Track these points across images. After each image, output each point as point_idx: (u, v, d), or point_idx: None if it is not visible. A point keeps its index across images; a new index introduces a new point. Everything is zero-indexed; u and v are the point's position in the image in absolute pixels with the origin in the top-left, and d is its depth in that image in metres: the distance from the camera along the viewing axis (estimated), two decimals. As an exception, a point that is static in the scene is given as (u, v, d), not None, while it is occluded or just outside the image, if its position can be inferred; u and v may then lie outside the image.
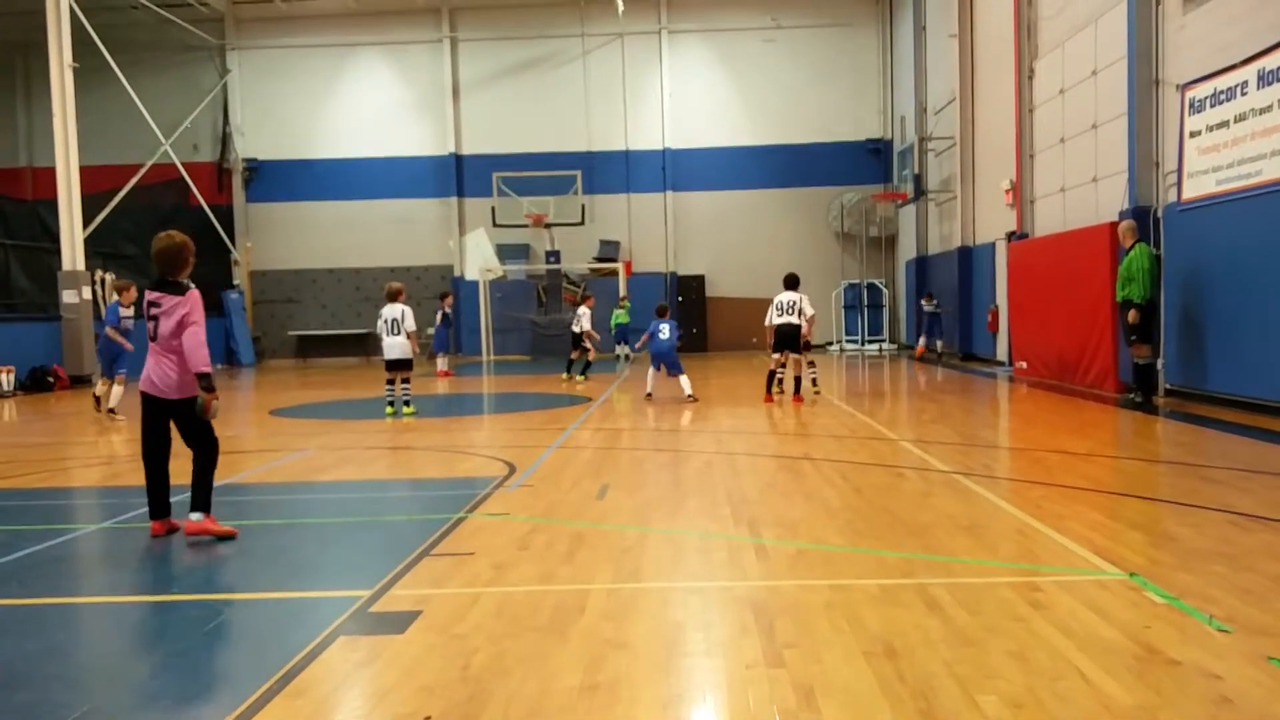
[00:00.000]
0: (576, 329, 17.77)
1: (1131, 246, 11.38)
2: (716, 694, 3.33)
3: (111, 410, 12.64)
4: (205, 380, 5.69)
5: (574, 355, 17.85)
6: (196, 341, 5.63)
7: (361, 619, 4.20)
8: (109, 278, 22.37)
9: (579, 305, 18.45)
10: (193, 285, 5.86)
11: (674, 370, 14.13)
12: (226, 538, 5.74)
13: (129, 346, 12.48)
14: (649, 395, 14.13)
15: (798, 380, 13.36)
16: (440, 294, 22.20)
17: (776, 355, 13.29)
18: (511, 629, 4.02)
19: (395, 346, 12.16)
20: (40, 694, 3.46)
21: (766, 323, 13.46)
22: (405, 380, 12.41)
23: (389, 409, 12.43)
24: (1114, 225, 13.09)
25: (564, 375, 17.81)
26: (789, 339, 13.14)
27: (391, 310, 12.24)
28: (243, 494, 7.63)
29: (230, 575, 5.17)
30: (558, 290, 28.11)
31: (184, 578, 5.11)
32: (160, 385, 5.74)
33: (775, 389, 13.54)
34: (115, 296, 12.96)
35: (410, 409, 12.39)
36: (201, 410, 5.74)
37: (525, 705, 3.23)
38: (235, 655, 3.91)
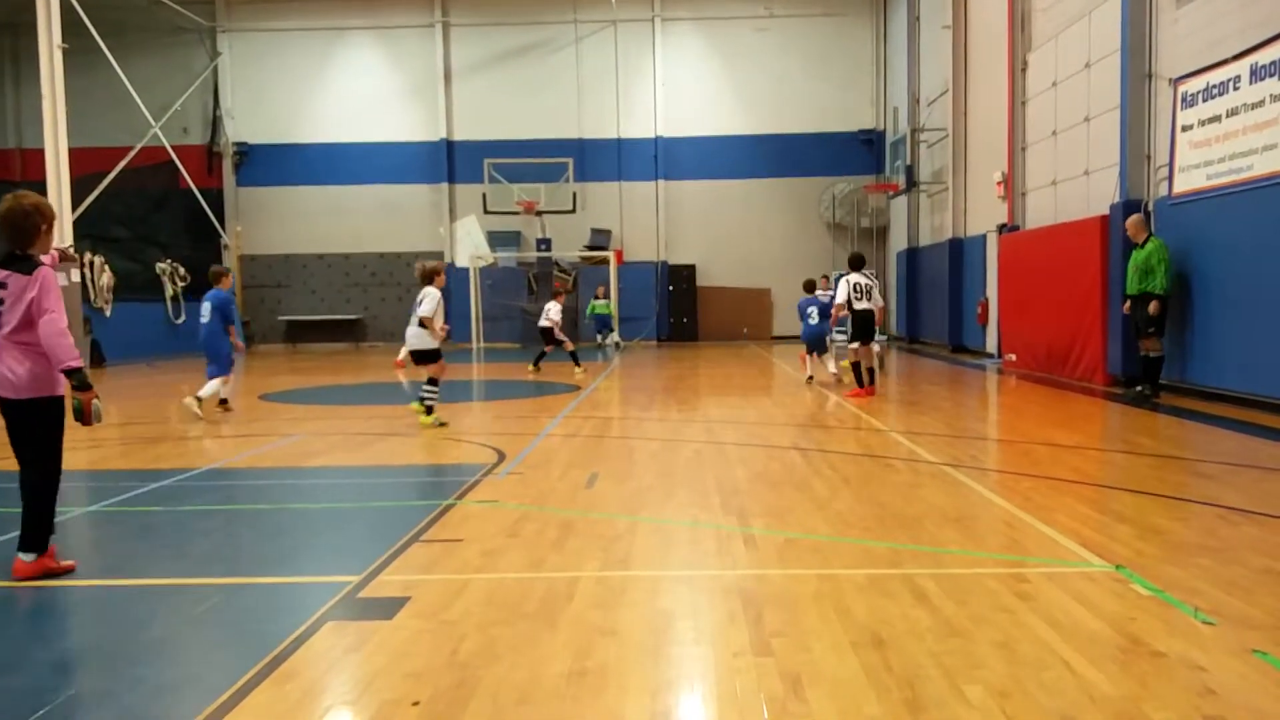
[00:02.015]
0: (545, 323, 17.42)
1: (1146, 240, 11.36)
2: (704, 682, 3.34)
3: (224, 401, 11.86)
4: (78, 377, 4.61)
5: (547, 349, 17.69)
6: (55, 330, 4.54)
7: (350, 604, 4.20)
8: (98, 260, 22.26)
9: (552, 299, 18.10)
10: (44, 261, 4.72)
11: (819, 350, 14.06)
12: (66, 573, 4.79)
13: None
14: (809, 379, 14.14)
15: (871, 372, 12.52)
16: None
17: (856, 345, 12.39)
18: (500, 615, 4.03)
19: (411, 336, 10.38)
20: (27, 678, 3.45)
21: (838, 307, 12.63)
22: (431, 380, 10.28)
23: (415, 405, 10.48)
24: (1104, 219, 13.14)
25: (530, 366, 17.64)
26: (870, 326, 12.35)
27: (420, 294, 10.45)
28: (232, 478, 7.62)
29: (219, 560, 5.16)
30: (548, 278, 28.03)
31: (172, 562, 5.09)
32: (11, 381, 4.63)
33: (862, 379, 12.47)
34: None
35: (428, 417, 10.12)
36: (81, 414, 4.66)
37: (514, 691, 3.24)
38: (223, 640, 3.90)
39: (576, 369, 17.12)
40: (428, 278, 10.40)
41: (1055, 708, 3.04)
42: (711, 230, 28.68)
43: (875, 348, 13.02)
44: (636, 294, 28.19)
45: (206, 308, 11.37)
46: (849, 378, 13.12)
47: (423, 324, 10.18)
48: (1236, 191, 10.52)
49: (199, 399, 11.12)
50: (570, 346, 17.71)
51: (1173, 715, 2.98)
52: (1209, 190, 11.06)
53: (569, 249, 27.99)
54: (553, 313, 17.54)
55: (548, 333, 17.48)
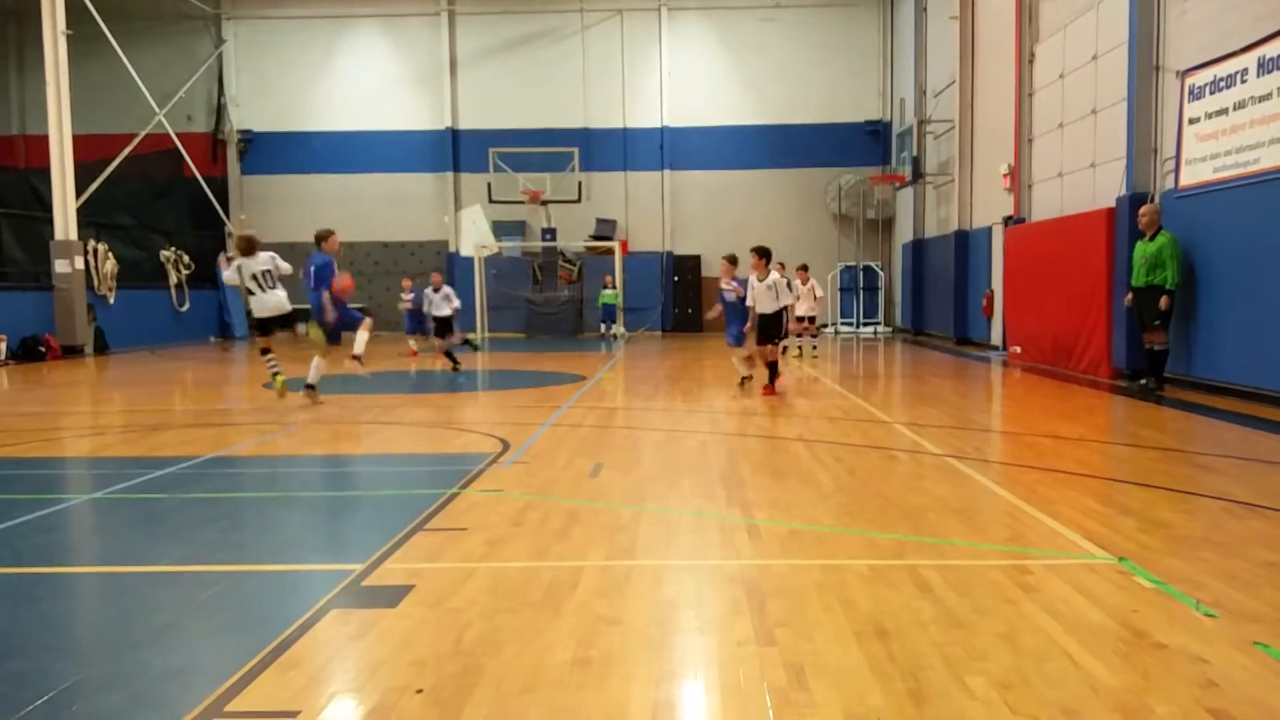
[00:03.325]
0: (445, 312, 16.44)
1: (1157, 232, 11.32)
2: (708, 671, 3.34)
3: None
4: None
5: (438, 342, 16.60)
6: None
7: (354, 592, 4.21)
8: (101, 247, 22.28)
9: (437, 289, 16.86)
10: None
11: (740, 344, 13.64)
12: None
13: None
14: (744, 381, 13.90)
15: (772, 367, 11.81)
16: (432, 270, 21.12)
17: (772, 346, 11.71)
18: (504, 604, 4.03)
19: (273, 302, 11.11)
20: (32, 663, 3.47)
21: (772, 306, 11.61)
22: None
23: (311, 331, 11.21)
24: (1110, 211, 13.10)
25: (452, 366, 15.77)
26: (776, 327, 11.67)
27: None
28: (236, 466, 7.63)
29: (223, 548, 5.17)
30: (553, 268, 28.07)
31: (176, 550, 5.11)
32: None
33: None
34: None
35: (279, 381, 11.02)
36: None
37: (518, 679, 3.25)
38: (227, 627, 3.91)
39: (411, 353, 16.87)
40: (318, 242, 11.22)
41: (1057, 699, 3.04)
42: (717, 221, 28.62)
43: (784, 346, 12.61)
44: (641, 284, 28.17)
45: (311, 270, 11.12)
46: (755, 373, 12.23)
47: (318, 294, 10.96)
48: (1243, 185, 10.48)
49: (358, 358, 11.65)
50: (458, 339, 16.75)
51: (1175, 707, 2.98)
52: (1216, 183, 11.01)
53: (574, 239, 27.95)
54: (445, 301, 16.62)
55: (446, 324, 16.51)
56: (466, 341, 18.12)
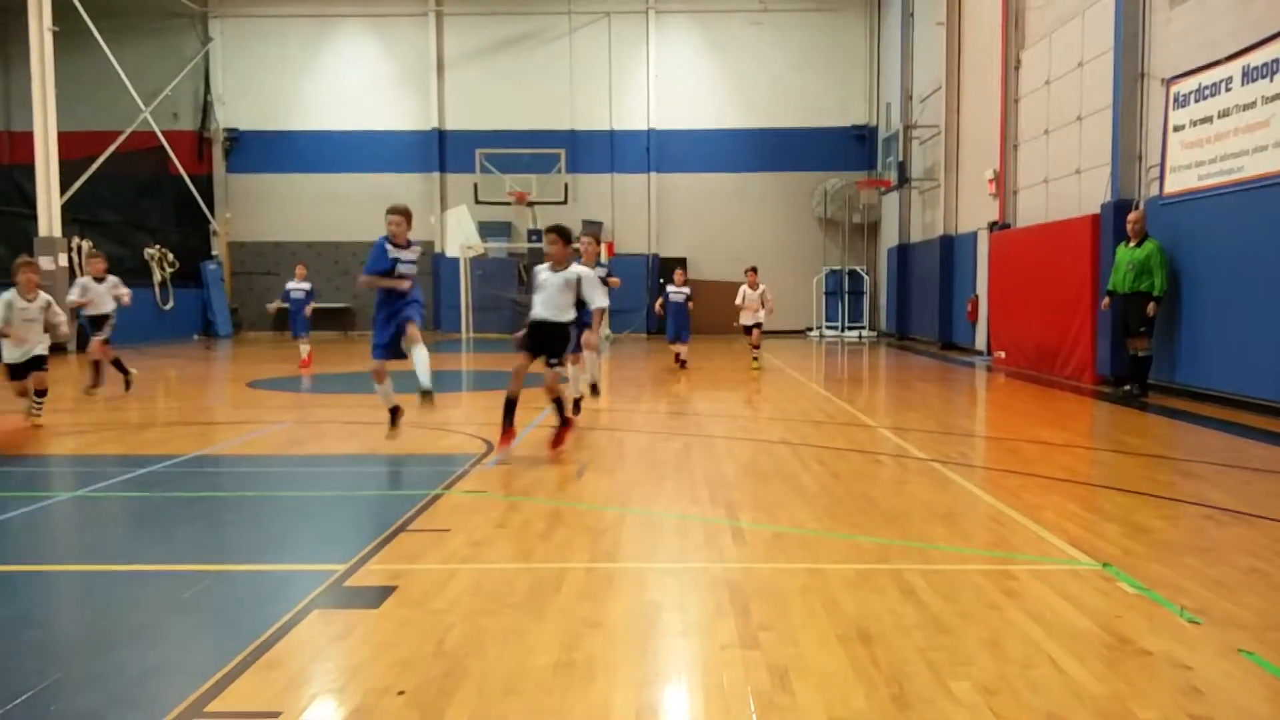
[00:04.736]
0: (109, 307, 12.38)
1: (1144, 238, 11.39)
2: (691, 674, 3.33)
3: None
4: None
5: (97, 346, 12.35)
6: None
7: (336, 593, 4.18)
8: (86, 245, 22.11)
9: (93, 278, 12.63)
10: None
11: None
12: None
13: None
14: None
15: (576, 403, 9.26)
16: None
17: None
18: (487, 606, 4.01)
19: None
20: (8, 662, 3.42)
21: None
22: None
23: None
24: (1095, 218, 13.17)
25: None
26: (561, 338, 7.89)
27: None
28: (218, 465, 7.58)
29: (205, 547, 5.12)
30: (539, 269, 27.99)
31: (158, 548, 5.06)
32: None
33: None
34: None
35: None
36: None
37: (500, 681, 3.23)
38: (209, 627, 3.88)
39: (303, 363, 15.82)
40: None
41: (1042, 705, 3.04)
42: (703, 224, 28.66)
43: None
44: (627, 287, 28.11)
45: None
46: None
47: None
48: (1227, 192, 10.55)
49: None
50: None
51: (1159, 714, 2.99)
52: (1200, 191, 11.09)
53: (560, 240, 27.88)
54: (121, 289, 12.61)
55: (100, 322, 12.44)
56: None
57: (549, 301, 7.68)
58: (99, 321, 12.36)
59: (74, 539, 5.57)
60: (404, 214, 7.98)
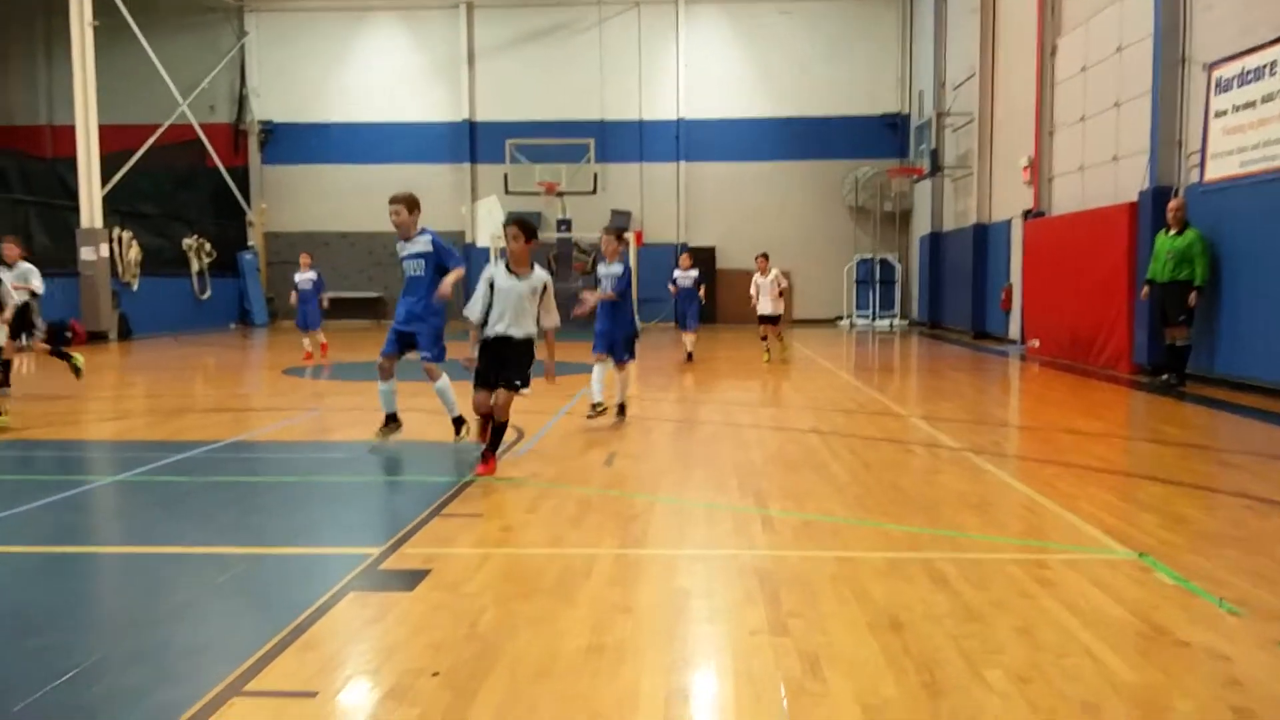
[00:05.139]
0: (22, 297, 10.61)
1: (1185, 226, 11.21)
2: (721, 659, 3.34)
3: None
4: None
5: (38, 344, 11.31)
6: None
7: (372, 576, 4.23)
8: (126, 235, 22.51)
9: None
10: None
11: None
12: None
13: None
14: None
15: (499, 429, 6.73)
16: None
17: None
18: (519, 590, 4.05)
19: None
20: (54, 639, 3.50)
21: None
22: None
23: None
24: (1133, 205, 12.98)
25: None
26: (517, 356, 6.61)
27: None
28: (255, 451, 7.68)
29: (243, 530, 5.20)
30: (568, 259, 28.05)
31: (197, 531, 5.14)
32: None
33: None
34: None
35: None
36: None
37: (531, 665, 3.26)
38: (247, 608, 3.94)
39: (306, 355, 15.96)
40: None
41: (1076, 694, 3.02)
42: (732, 213, 28.54)
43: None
44: (655, 277, 28.11)
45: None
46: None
47: None
48: (1270, 179, 10.35)
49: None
50: (8, 354, 10.41)
51: (1196, 704, 2.96)
52: (1242, 177, 10.89)
53: (589, 230, 27.89)
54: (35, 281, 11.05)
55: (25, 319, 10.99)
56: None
57: (511, 313, 6.39)
58: (21, 316, 10.43)
59: (116, 522, 5.67)
60: (403, 201, 7.39)
